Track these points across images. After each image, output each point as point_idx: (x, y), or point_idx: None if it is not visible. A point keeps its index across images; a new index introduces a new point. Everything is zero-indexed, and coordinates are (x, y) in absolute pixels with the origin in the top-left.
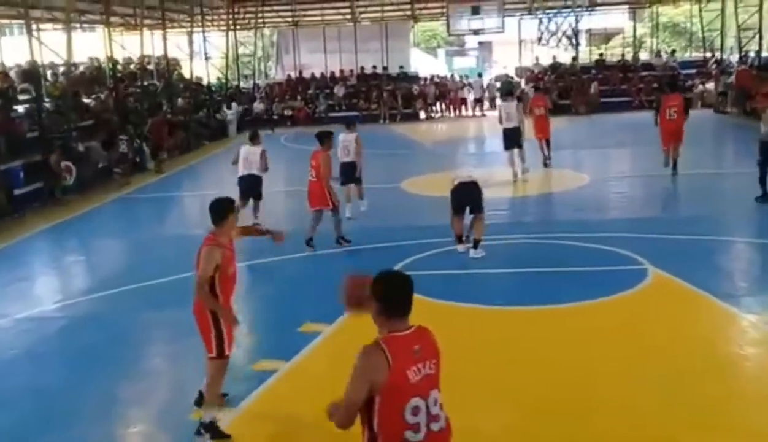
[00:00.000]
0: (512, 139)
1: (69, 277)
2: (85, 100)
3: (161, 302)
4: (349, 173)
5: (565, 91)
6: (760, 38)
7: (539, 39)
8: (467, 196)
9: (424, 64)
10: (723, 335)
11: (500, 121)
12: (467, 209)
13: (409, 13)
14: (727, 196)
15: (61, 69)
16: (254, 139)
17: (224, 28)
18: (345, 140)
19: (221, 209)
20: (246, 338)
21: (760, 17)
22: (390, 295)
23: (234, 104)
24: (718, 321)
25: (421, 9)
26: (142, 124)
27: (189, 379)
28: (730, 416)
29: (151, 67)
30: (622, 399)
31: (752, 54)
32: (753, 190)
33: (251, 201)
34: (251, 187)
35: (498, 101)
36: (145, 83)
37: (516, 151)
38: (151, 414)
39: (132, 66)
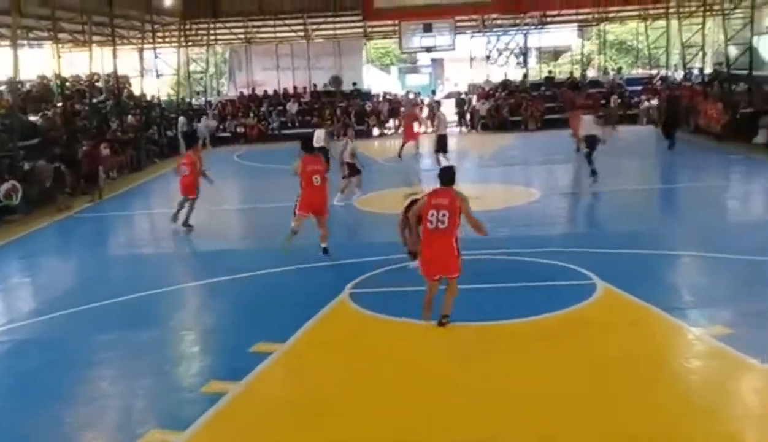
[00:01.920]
0: (444, 143)
1: (13, 299)
2: (32, 118)
3: (107, 324)
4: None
5: (516, 108)
6: (704, 55)
7: (488, 57)
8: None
9: (378, 81)
10: (671, 348)
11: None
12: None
13: (361, 31)
14: (672, 210)
15: (3, 87)
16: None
17: (176, 44)
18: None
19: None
20: (195, 359)
21: (703, 35)
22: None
23: (204, 118)
24: (665, 334)
25: (373, 27)
26: (71, 146)
27: (136, 402)
28: (677, 427)
29: (100, 84)
30: (572, 413)
31: (696, 70)
32: (695, 203)
33: None
34: None
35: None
36: (94, 101)
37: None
38: (99, 439)
39: (81, 83)
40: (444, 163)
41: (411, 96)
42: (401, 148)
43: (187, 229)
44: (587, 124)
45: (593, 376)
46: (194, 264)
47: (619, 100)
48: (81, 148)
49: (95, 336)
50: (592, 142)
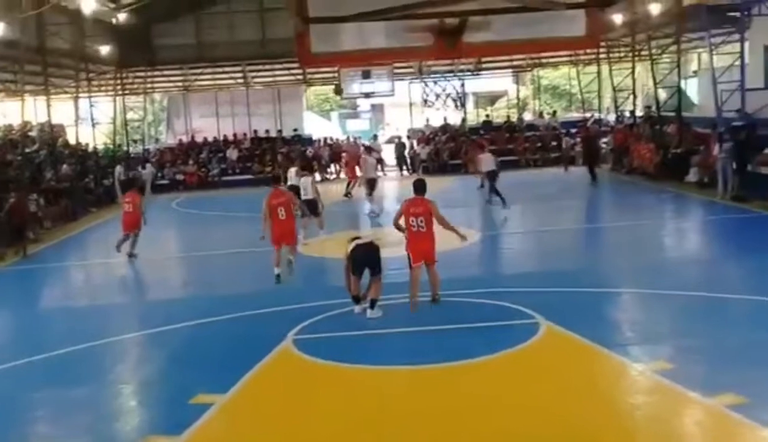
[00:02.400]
0: (372, 185)
1: None
2: None
3: (39, 380)
4: (311, 208)
5: (456, 151)
6: (635, 98)
7: (425, 101)
8: (367, 257)
9: (318, 127)
10: (614, 386)
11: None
12: (365, 270)
13: (301, 77)
14: (610, 248)
15: None
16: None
17: (112, 93)
18: (303, 183)
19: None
20: (133, 414)
21: (633, 79)
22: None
23: (148, 165)
24: (609, 372)
25: (313, 74)
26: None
27: None
28: None
29: (33, 133)
30: None
31: (627, 113)
32: (633, 241)
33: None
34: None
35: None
36: (27, 151)
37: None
38: None
39: (12, 133)
40: (369, 206)
41: (352, 140)
42: (348, 187)
43: (132, 258)
44: (487, 161)
45: (537, 415)
46: (131, 315)
47: (572, 142)
48: (9, 201)
49: (26, 394)
50: (493, 175)
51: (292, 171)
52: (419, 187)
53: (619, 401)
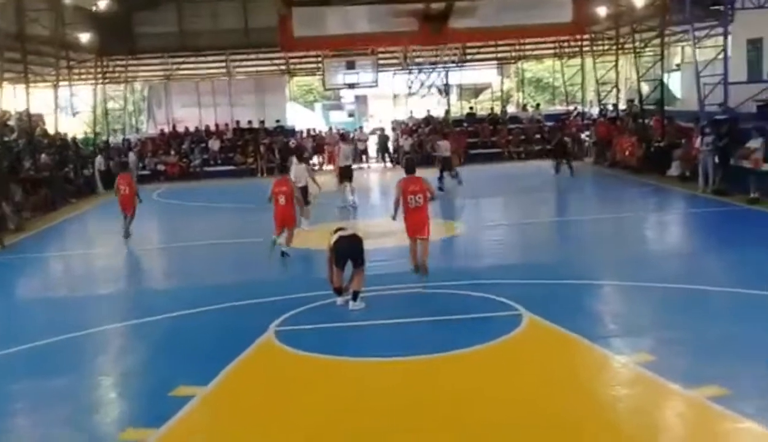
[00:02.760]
0: (348, 174)
1: None
2: None
3: (18, 372)
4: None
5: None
6: (618, 91)
7: (409, 88)
8: (350, 249)
9: (302, 118)
10: (596, 378)
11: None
12: (348, 262)
13: (284, 67)
14: (592, 241)
15: None
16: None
17: (92, 81)
18: (297, 171)
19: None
20: (112, 406)
21: (617, 72)
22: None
23: (131, 154)
24: (591, 364)
25: (296, 64)
26: None
27: None
28: None
29: (12, 123)
30: None
31: (610, 106)
32: (615, 234)
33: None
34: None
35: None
36: (5, 140)
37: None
38: None
39: None
40: (349, 193)
41: (335, 131)
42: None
43: (127, 237)
44: (444, 147)
45: (520, 407)
46: (112, 306)
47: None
48: None
49: (4, 385)
50: (446, 162)
51: (294, 160)
52: (411, 166)
53: (601, 393)
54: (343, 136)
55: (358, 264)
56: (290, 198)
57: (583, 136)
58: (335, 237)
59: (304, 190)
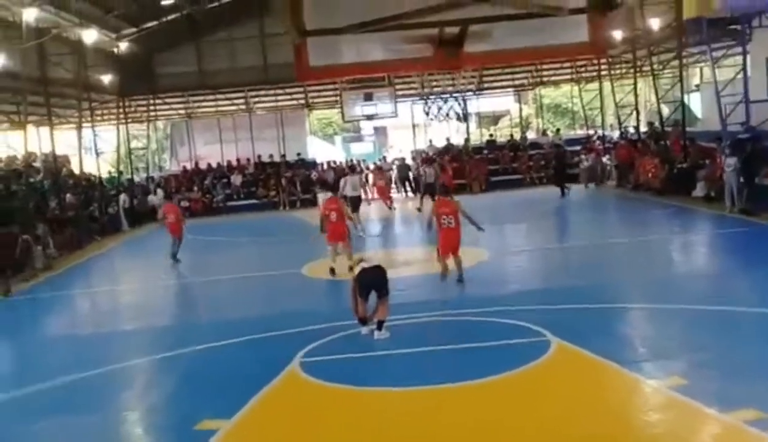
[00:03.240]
0: (355, 204)
1: None
2: None
3: (44, 409)
4: (356, 204)
5: (459, 171)
6: (638, 114)
7: (427, 113)
8: (374, 280)
9: (322, 151)
10: (628, 403)
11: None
12: (372, 292)
13: (303, 101)
14: (619, 264)
15: None
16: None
17: (115, 122)
18: (352, 181)
19: None
20: (138, 441)
21: (636, 95)
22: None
23: (159, 190)
24: (621, 389)
25: (315, 97)
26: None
27: None
28: None
29: (37, 164)
30: None
31: (632, 129)
32: (641, 257)
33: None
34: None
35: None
36: (31, 180)
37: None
38: None
39: (17, 164)
40: (357, 223)
41: (355, 163)
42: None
43: (176, 261)
44: (428, 174)
45: (549, 434)
46: (137, 341)
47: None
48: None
49: (31, 422)
50: (429, 187)
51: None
52: (446, 190)
53: (634, 418)
54: (352, 168)
55: (382, 294)
56: (341, 215)
57: (605, 159)
58: (359, 268)
59: (358, 199)
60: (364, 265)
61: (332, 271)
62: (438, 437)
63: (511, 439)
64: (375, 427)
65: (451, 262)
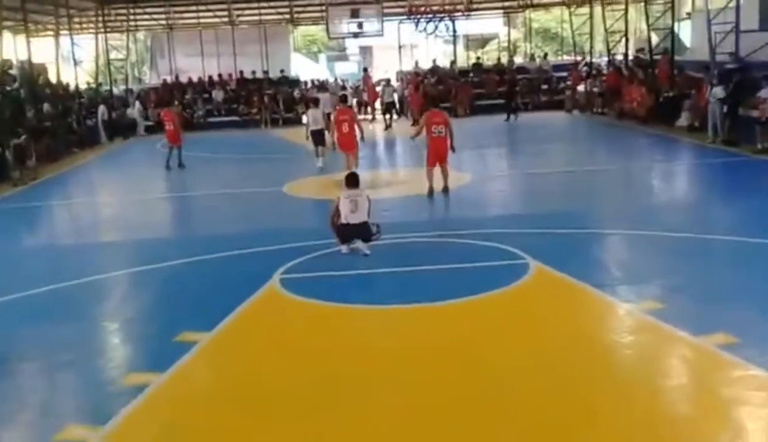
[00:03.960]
0: (317, 138)
1: None
2: None
3: (24, 317)
4: (320, 138)
5: (445, 94)
6: (627, 41)
7: (416, 27)
8: (357, 233)
9: (306, 69)
10: (604, 325)
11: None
12: None
13: (288, 16)
14: (600, 191)
15: None
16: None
17: (93, 31)
18: (313, 114)
19: None
20: (116, 351)
21: (626, 21)
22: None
23: (137, 103)
24: (597, 311)
25: (300, 12)
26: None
27: (54, 397)
28: (611, 402)
29: (13, 72)
30: (506, 391)
31: (620, 56)
32: (622, 184)
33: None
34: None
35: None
36: (8, 89)
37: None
38: (14, 435)
39: None
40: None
41: (340, 82)
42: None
43: (182, 168)
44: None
45: (525, 353)
46: (115, 254)
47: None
48: None
49: (8, 331)
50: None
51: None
52: (435, 101)
53: (608, 340)
54: (315, 100)
55: (366, 239)
56: (352, 125)
57: (580, 88)
58: (342, 219)
59: (321, 132)
60: (350, 220)
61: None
62: (416, 355)
63: (488, 358)
64: (353, 342)
65: (438, 176)
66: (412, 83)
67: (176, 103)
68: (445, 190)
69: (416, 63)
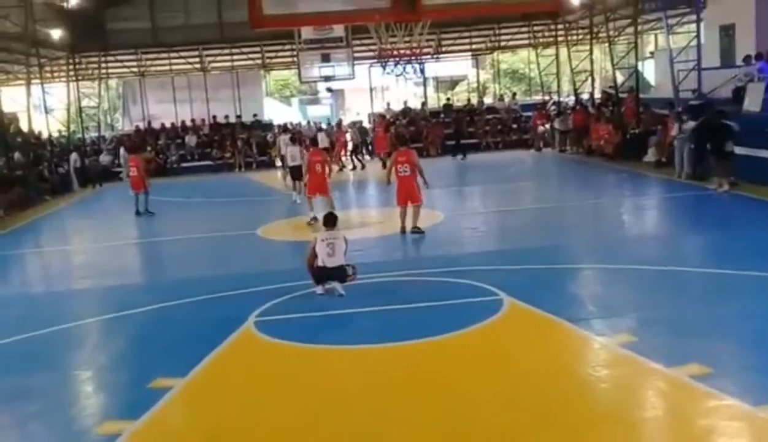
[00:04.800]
0: (295, 174)
1: None
2: None
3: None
4: (297, 174)
5: (417, 135)
6: (593, 80)
7: (384, 68)
8: (334, 276)
9: (279, 113)
10: (579, 358)
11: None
12: None
13: (260, 62)
14: (571, 226)
15: None
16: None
17: (65, 79)
18: (291, 151)
19: None
20: (89, 400)
21: (591, 61)
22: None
23: (121, 149)
24: (572, 345)
25: (272, 58)
26: None
27: None
28: (586, 434)
29: None
30: (481, 425)
31: (586, 95)
32: (594, 220)
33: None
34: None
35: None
36: None
37: (297, 183)
38: None
39: None
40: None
41: (313, 125)
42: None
43: (149, 214)
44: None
45: (501, 389)
46: (88, 300)
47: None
48: None
49: None
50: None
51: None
52: (403, 140)
53: (584, 374)
54: (293, 139)
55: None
56: (324, 167)
57: (541, 128)
58: (319, 262)
59: (299, 169)
60: (327, 263)
61: (314, 220)
62: (392, 394)
63: (465, 395)
64: (329, 383)
65: (409, 215)
66: (381, 126)
67: (149, 149)
68: (413, 230)
69: (388, 105)
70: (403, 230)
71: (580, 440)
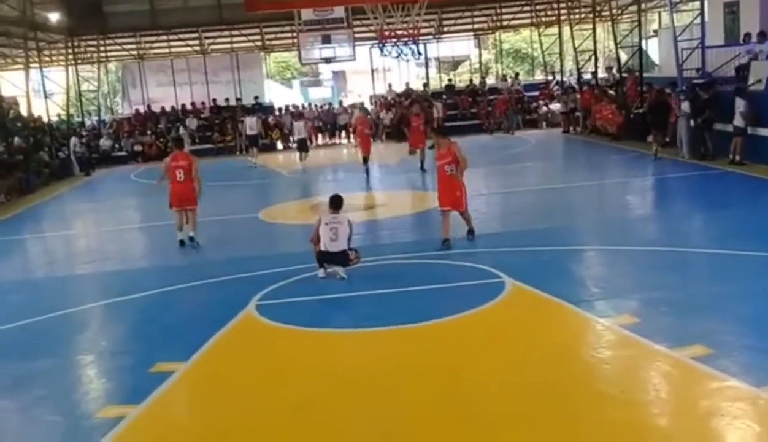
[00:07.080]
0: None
1: None
2: None
3: (2, 351)
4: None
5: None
6: (596, 60)
7: (381, 51)
8: (335, 260)
9: (280, 95)
10: (581, 340)
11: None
12: None
13: (259, 44)
14: (575, 207)
15: None
16: None
17: (64, 63)
18: (297, 126)
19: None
20: (92, 384)
21: (594, 40)
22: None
23: (102, 139)
24: (575, 327)
25: (272, 40)
26: None
27: (29, 433)
28: (589, 414)
29: None
30: (486, 408)
31: (588, 75)
32: (596, 200)
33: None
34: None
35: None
36: None
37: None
38: None
39: None
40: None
41: (314, 107)
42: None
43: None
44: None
45: (504, 371)
46: (90, 286)
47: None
48: None
49: None
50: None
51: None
52: (442, 133)
53: (586, 355)
54: (300, 115)
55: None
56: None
57: (545, 108)
58: (322, 246)
59: (304, 140)
60: (329, 248)
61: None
62: (394, 377)
63: (467, 377)
64: (331, 367)
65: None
66: (417, 120)
67: (149, 132)
68: (468, 233)
69: (389, 86)
70: (445, 242)
71: (583, 422)
